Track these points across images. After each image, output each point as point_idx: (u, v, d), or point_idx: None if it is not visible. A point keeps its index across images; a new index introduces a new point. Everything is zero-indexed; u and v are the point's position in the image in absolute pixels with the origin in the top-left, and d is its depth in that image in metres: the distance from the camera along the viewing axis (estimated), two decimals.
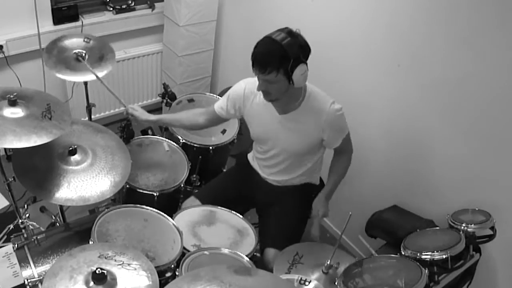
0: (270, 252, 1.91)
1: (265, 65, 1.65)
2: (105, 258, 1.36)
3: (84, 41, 2.24)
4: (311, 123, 1.85)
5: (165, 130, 2.47)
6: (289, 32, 1.65)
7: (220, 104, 2.03)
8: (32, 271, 1.65)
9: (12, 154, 1.75)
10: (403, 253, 1.63)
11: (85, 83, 2.32)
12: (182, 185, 2.20)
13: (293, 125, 1.87)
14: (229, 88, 2.12)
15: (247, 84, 1.93)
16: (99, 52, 2.25)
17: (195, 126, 2.16)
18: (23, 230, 1.94)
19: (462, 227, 1.70)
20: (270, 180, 2.09)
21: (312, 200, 2.12)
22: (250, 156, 2.22)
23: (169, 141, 2.39)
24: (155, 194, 2.08)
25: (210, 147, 2.37)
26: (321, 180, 2.22)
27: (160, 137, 2.42)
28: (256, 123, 1.98)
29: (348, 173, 2.56)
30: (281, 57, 1.63)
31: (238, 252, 1.80)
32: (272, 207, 2.06)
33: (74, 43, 2.23)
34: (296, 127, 1.87)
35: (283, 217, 2.02)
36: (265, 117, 1.92)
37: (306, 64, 1.68)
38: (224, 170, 2.53)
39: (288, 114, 1.87)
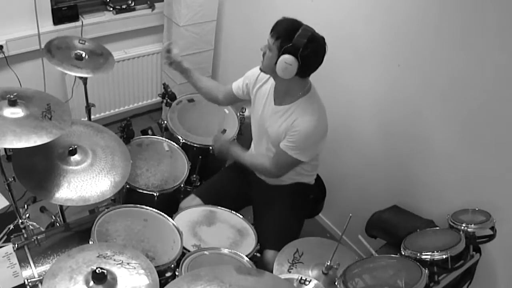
0: (269, 253, 1.91)
1: (276, 27, 1.74)
2: (104, 257, 1.36)
3: (79, 42, 2.23)
4: (290, 122, 1.86)
5: (165, 130, 2.47)
6: (313, 34, 1.71)
7: (237, 83, 2.11)
8: (32, 271, 1.65)
9: (12, 154, 1.75)
10: (403, 253, 1.63)
11: (85, 83, 2.32)
12: (182, 185, 2.20)
13: (280, 118, 1.90)
14: None
15: None
16: (99, 53, 2.25)
17: (213, 99, 2.25)
18: (23, 230, 1.94)
19: (462, 227, 1.70)
20: (264, 178, 2.11)
21: (309, 200, 2.12)
22: (249, 153, 2.23)
23: (169, 141, 2.39)
24: (155, 194, 2.09)
25: (210, 147, 2.37)
26: (319, 179, 2.22)
27: (160, 137, 2.43)
28: (256, 108, 2.03)
29: (349, 173, 2.58)
30: (289, 32, 1.69)
31: (238, 252, 1.80)
32: (268, 207, 2.06)
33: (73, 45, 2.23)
34: (280, 122, 1.89)
35: (280, 218, 2.03)
36: (264, 105, 1.97)
37: (299, 66, 1.70)
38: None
39: (280, 107, 1.90)
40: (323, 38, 1.73)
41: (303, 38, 1.67)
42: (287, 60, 1.69)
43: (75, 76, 2.67)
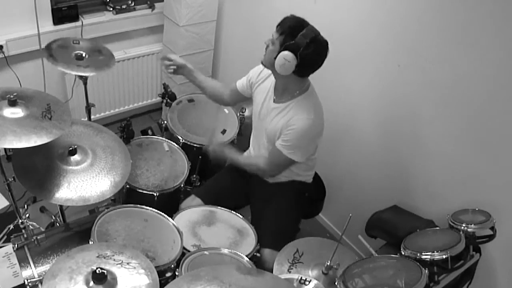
0: (266, 252, 1.91)
1: (282, 22, 1.75)
2: (104, 258, 1.36)
3: (73, 43, 2.23)
4: (286, 119, 1.86)
5: (165, 130, 2.47)
6: (317, 36, 1.71)
7: (241, 81, 2.13)
8: (32, 271, 1.65)
9: (12, 154, 1.75)
10: (403, 253, 1.63)
11: (85, 83, 2.32)
12: (182, 185, 2.20)
13: (278, 115, 1.91)
14: None
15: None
16: (98, 52, 2.25)
17: (219, 99, 2.26)
18: (23, 230, 1.94)
19: (462, 227, 1.70)
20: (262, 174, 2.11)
21: (304, 198, 2.12)
22: (245, 154, 2.23)
23: (169, 141, 2.39)
24: (155, 194, 2.08)
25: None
26: (318, 179, 2.22)
27: (160, 137, 2.43)
28: (255, 105, 2.05)
29: (349, 173, 2.58)
30: (293, 30, 1.70)
31: (238, 252, 1.80)
32: (266, 207, 2.06)
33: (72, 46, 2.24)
34: (278, 119, 1.90)
35: (278, 217, 2.03)
36: (263, 102, 1.98)
37: (297, 65, 1.71)
38: None
39: (279, 104, 1.91)
40: (326, 42, 1.73)
41: (306, 38, 1.68)
42: (286, 56, 1.70)
43: (75, 76, 2.67)
